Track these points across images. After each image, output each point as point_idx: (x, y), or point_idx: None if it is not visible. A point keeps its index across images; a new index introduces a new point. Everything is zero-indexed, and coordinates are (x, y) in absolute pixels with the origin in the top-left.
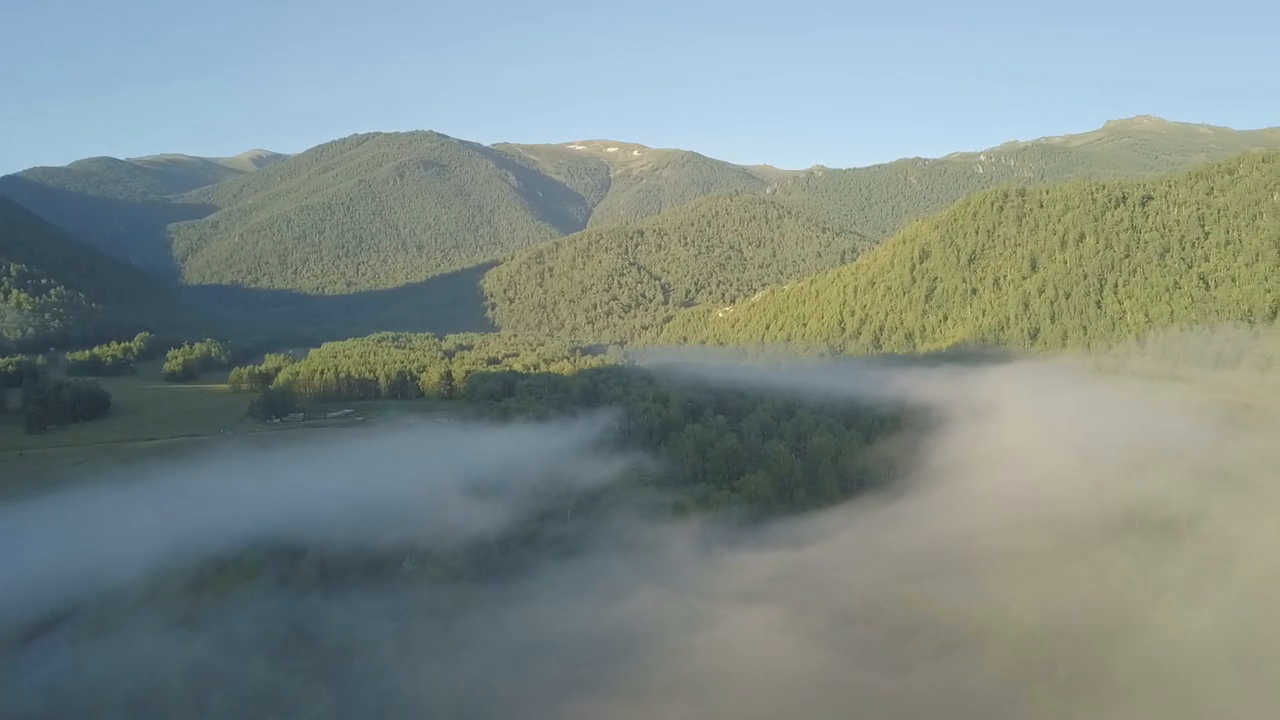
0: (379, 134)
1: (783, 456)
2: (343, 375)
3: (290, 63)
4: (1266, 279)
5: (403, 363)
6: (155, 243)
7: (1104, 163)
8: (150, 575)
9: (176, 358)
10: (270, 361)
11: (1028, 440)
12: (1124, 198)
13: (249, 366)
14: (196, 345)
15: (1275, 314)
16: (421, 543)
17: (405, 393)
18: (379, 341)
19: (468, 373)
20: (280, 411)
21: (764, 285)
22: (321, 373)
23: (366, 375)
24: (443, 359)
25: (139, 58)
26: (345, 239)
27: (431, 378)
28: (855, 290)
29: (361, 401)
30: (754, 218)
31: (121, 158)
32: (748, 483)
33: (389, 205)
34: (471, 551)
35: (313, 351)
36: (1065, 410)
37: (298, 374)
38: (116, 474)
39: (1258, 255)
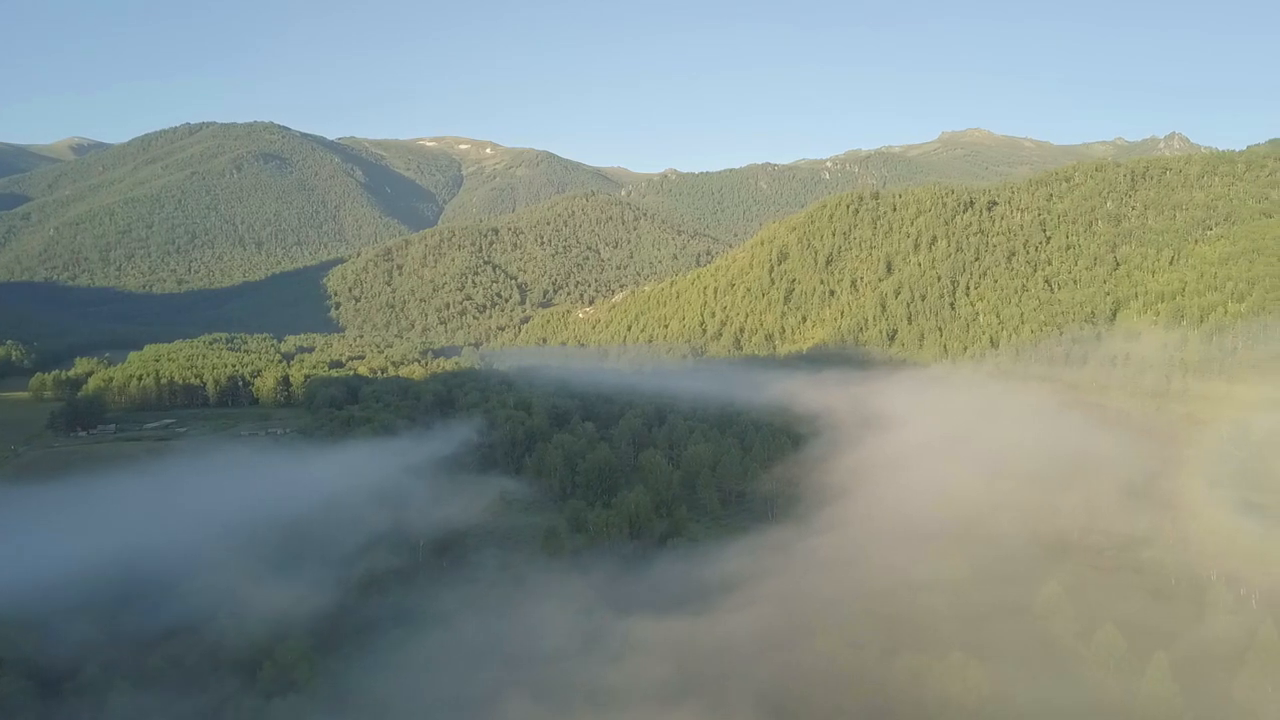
0: (213, 124)
1: (659, 468)
2: (165, 381)
3: (117, 44)
4: (1105, 282)
5: (235, 366)
6: None
7: (940, 171)
8: None
9: None
10: (81, 366)
11: (925, 454)
12: (971, 203)
13: (55, 372)
14: None
15: (1114, 315)
16: (215, 622)
17: (237, 400)
18: (210, 343)
19: (307, 377)
20: (87, 423)
21: (622, 286)
22: (140, 378)
23: (193, 381)
24: (280, 362)
25: None
26: (176, 234)
27: (267, 383)
28: (715, 292)
29: (186, 410)
30: (610, 219)
31: None
32: (625, 500)
33: (224, 199)
34: (283, 635)
35: (132, 355)
36: (948, 417)
37: (112, 380)
38: None
39: (1096, 260)
